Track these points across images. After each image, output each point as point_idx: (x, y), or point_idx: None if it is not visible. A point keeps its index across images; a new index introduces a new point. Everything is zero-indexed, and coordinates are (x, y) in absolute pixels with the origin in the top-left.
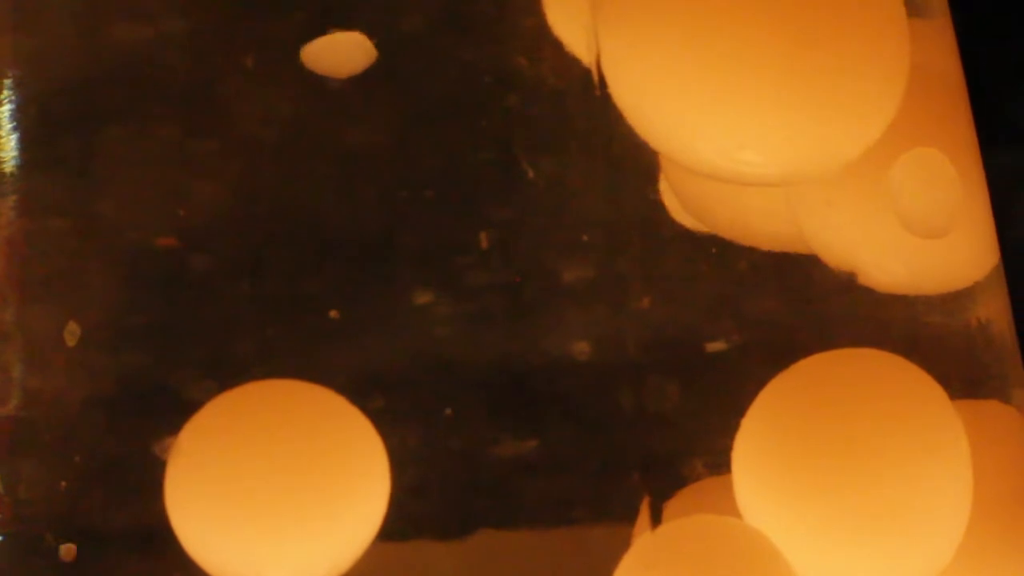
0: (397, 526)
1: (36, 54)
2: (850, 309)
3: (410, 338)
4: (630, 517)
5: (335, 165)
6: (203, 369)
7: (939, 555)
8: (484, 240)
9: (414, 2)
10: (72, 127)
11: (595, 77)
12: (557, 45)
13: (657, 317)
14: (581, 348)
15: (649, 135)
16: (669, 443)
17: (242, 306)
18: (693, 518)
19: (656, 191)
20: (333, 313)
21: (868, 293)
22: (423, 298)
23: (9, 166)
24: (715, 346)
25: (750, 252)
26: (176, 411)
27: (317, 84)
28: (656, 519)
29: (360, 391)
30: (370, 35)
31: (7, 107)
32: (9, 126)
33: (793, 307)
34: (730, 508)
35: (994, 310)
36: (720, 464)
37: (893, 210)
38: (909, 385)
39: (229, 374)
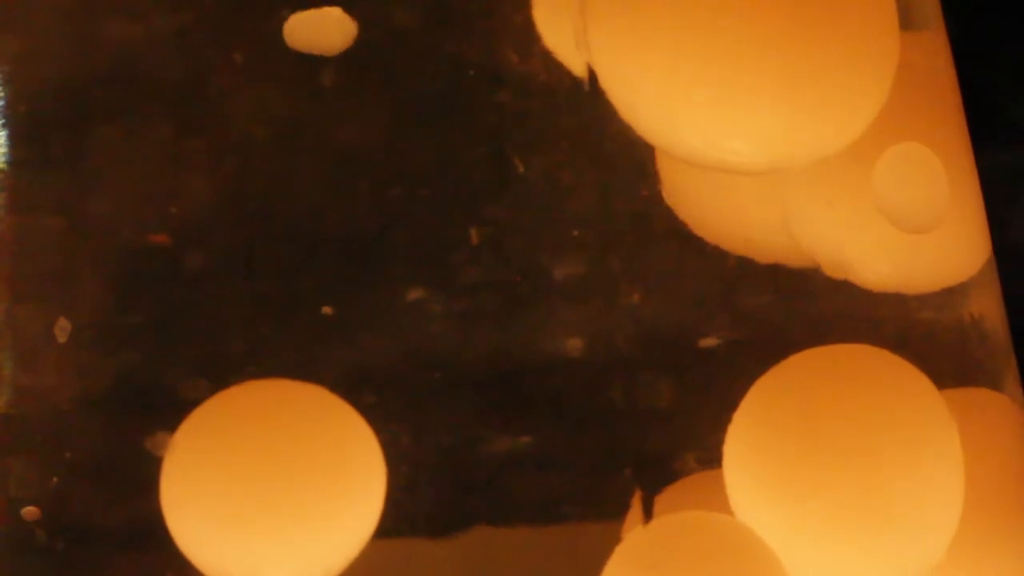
0: (390, 523)
1: (25, 51)
2: (842, 305)
3: (402, 335)
4: (623, 513)
5: (327, 162)
6: (195, 366)
7: (932, 550)
8: (476, 237)
9: None
10: (62, 124)
11: (583, 74)
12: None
13: (649, 313)
14: (573, 344)
15: (637, 123)
16: (661, 439)
17: (234, 303)
18: (682, 514)
19: (648, 187)
20: (326, 310)
21: (860, 289)
22: (415, 295)
23: None
24: (707, 342)
25: None
26: (168, 408)
27: (309, 81)
28: (648, 514)
29: (352, 388)
30: (362, 32)
31: None
32: None
33: (785, 303)
34: (721, 502)
35: (987, 306)
36: (713, 460)
37: (877, 205)
38: (899, 381)
39: (221, 371)
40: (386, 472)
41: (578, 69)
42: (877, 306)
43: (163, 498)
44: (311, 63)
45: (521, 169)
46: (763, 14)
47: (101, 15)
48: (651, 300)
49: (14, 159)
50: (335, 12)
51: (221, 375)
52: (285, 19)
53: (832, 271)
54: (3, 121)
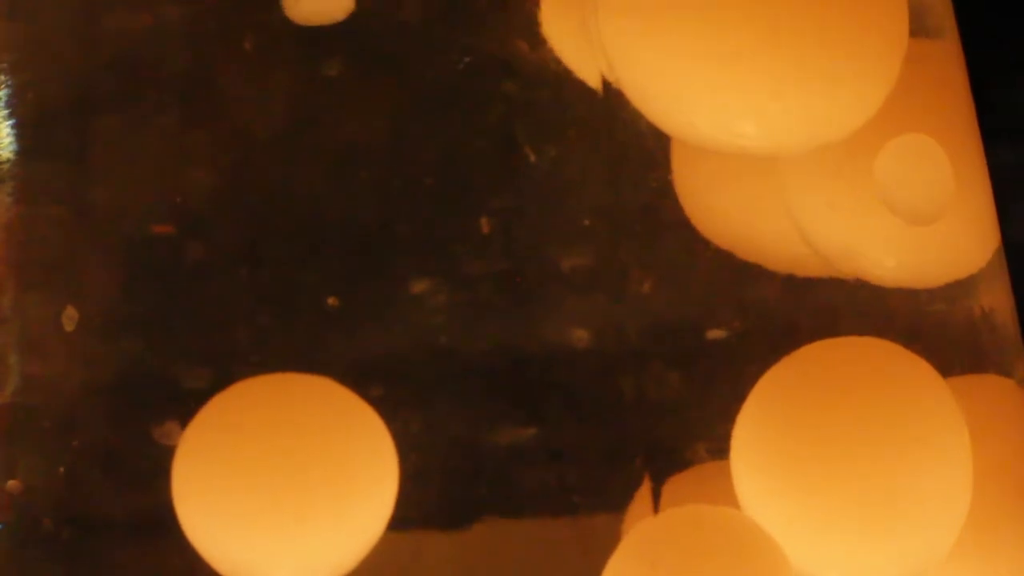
0: (398, 515)
1: (32, 41)
2: (851, 297)
3: (409, 326)
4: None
5: (333, 153)
6: (200, 356)
7: (939, 544)
8: (484, 227)
9: None
10: (68, 114)
11: (594, 82)
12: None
13: (658, 304)
14: (581, 335)
15: (646, 107)
16: (670, 430)
17: (240, 293)
18: (687, 508)
19: (657, 178)
20: (331, 301)
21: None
22: (422, 286)
23: (6, 153)
24: (716, 333)
25: None
26: (174, 398)
27: (315, 72)
28: (656, 504)
29: (358, 379)
30: (369, 23)
31: (3, 94)
32: (5, 113)
33: (794, 294)
34: (728, 492)
35: (997, 298)
36: (723, 450)
37: (880, 197)
38: (908, 374)
39: (227, 361)
40: (398, 470)
41: (589, 77)
42: (887, 298)
43: (175, 492)
44: (317, 54)
45: (532, 158)
46: None
47: (106, 5)
48: (660, 291)
49: (20, 149)
50: None
51: (227, 365)
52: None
53: (839, 267)
54: (9, 111)
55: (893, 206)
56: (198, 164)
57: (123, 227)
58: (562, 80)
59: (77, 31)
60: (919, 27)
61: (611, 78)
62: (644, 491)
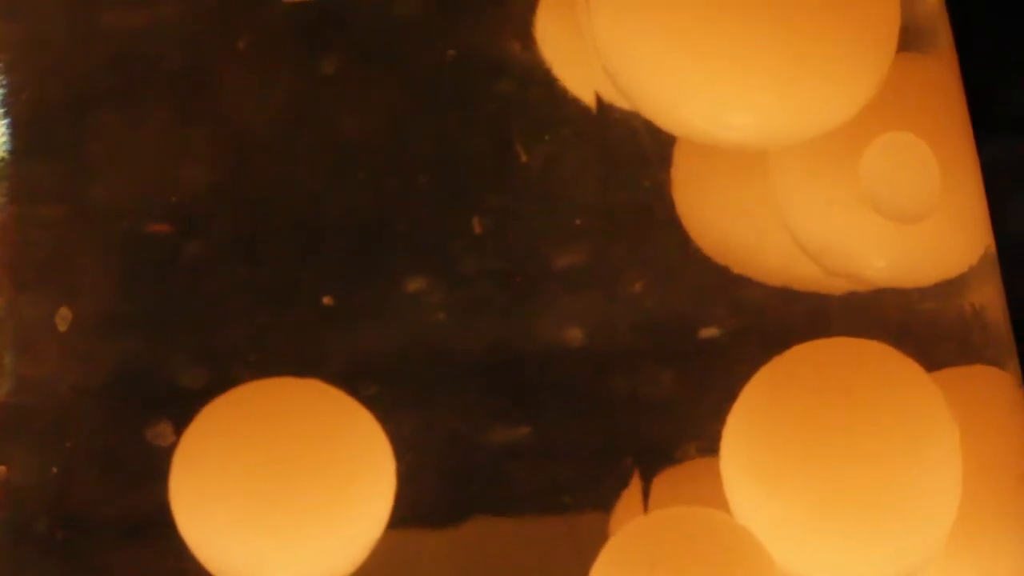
0: (392, 514)
1: (27, 39)
2: (844, 296)
3: (403, 325)
4: None
5: (329, 151)
6: (196, 356)
7: (929, 544)
8: (478, 226)
9: None
10: (64, 113)
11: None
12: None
13: (650, 303)
14: (574, 334)
15: (638, 101)
16: (662, 429)
17: (235, 292)
18: (674, 510)
19: (649, 176)
20: (327, 300)
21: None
22: (417, 285)
23: (0, 152)
24: (708, 332)
25: None
26: (167, 398)
27: (311, 70)
28: (645, 502)
29: (353, 378)
30: (364, 20)
31: None
32: (0, 112)
33: (786, 294)
34: (715, 488)
35: (988, 296)
36: (713, 449)
37: (865, 195)
38: (898, 374)
39: (222, 361)
40: (395, 477)
41: (584, 95)
42: (878, 298)
43: (172, 497)
44: (313, 51)
45: (523, 158)
46: None
47: (102, 4)
48: (652, 290)
49: (15, 148)
50: None
51: (222, 365)
52: (287, 8)
53: (828, 266)
54: (4, 110)
55: (878, 205)
56: (194, 162)
57: (117, 226)
58: (555, 78)
59: (72, 30)
60: (913, 32)
61: (603, 91)
62: (633, 489)
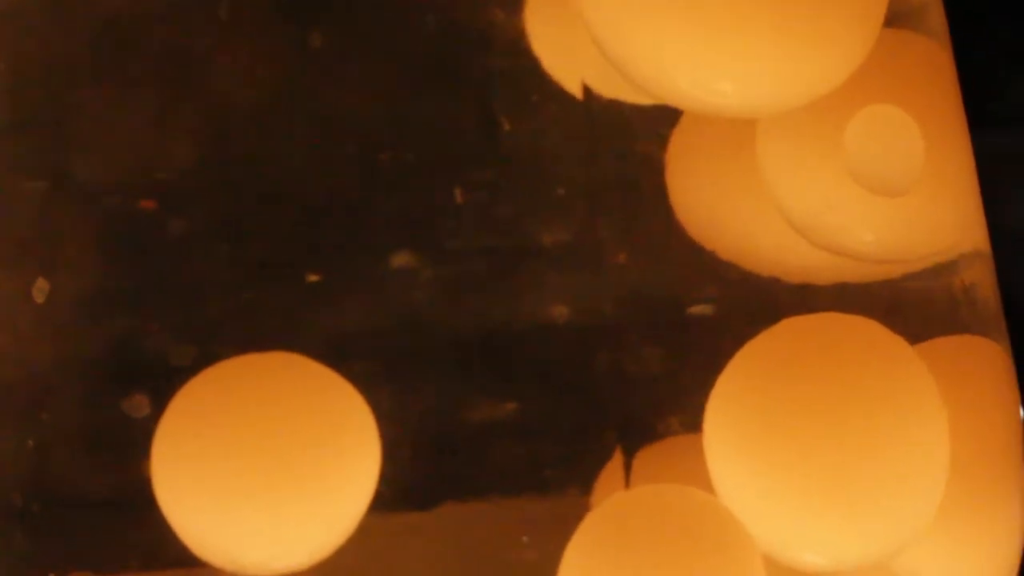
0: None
1: (8, 12)
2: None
3: (389, 301)
4: None
5: (314, 127)
6: (179, 331)
7: (917, 519)
8: (463, 203)
9: None
10: (45, 87)
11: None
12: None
13: (637, 279)
14: (560, 311)
15: (626, 69)
16: (646, 404)
17: (219, 269)
18: (649, 488)
19: (637, 151)
20: (312, 276)
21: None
22: (402, 261)
23: None
24: (696, 308)
25: None
26: (149, 372)
27: (296, 46)
28: (627, 477)
29: (338, 354)
30: None
31: None
32: None
33: None
34: (698, 463)
35: (978, 274)
36: (696, 424)
37: (848, 167)
38: (885, 351)
39: (205, 336)
40: (380, 455)
41: (571, 86)
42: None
43: (154, 473)
44: (298, 27)
45: (506, 125)
46: None
47: None
48: (639, 266)
49: None
50: None
51: (205, 340)
52: None
53: (815, 241)
54: None
55: (861, 177)
56: (177, 139)
57: (101, 201)
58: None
59: (56, 4)
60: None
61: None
62: (615, 465)
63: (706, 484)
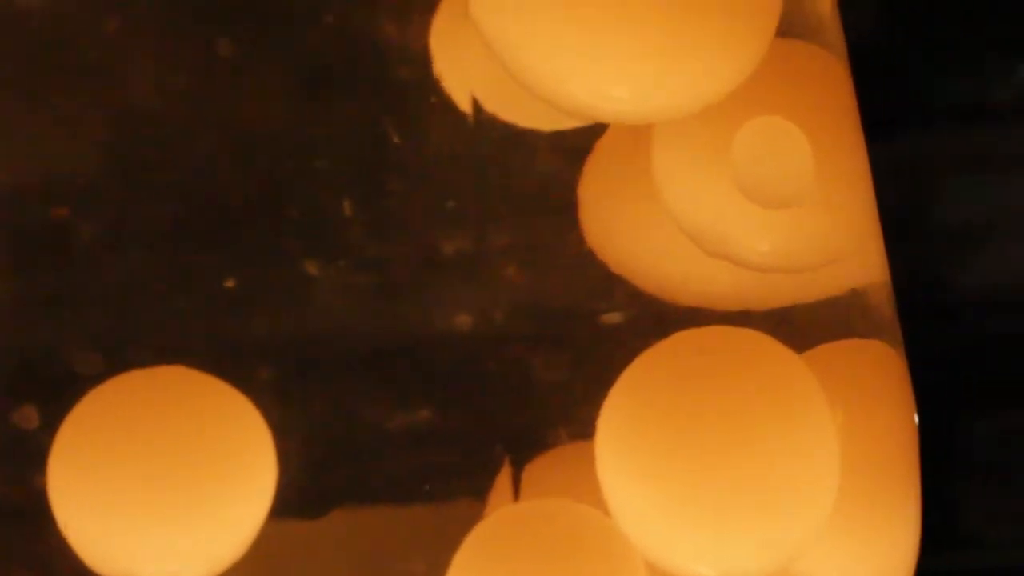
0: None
1: None
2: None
3: (294, 309)
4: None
5: (225, 134)
6: (91, 340)
7: (807, 528)
8: (360, 212)
9: None
10: None
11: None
12: (424, 10)
13: (527, 289)
14: (462, 320)
15: (521, 76)
16: (536, 415)
17: (132, 277)
18: (535, 503)
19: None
20: (228, 283)
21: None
22: (312, 269)
23: None
24: (596, 318)
25: None
26: (59, 382)
27: (204, 53)
28: (516, 489)
29: (249, 363)
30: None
31: None
32: None
33: None
34: (588, 474)
35: (872, 279)
36: (586, 435)
37: (735, 180)
38: (773, 362)
39: (116, 345)
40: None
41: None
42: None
43: (50, 487)
44: (206, 34)
45: (394, 138)
46: None
47: None
48: (530, 277)
49: None
50: None
51: (116, 350)
52: None
53: (711, 252)
54: None
55: (746, 189)
56: (89, 146)
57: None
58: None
59: None
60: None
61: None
62: (504, 477)
63: (597, 494)
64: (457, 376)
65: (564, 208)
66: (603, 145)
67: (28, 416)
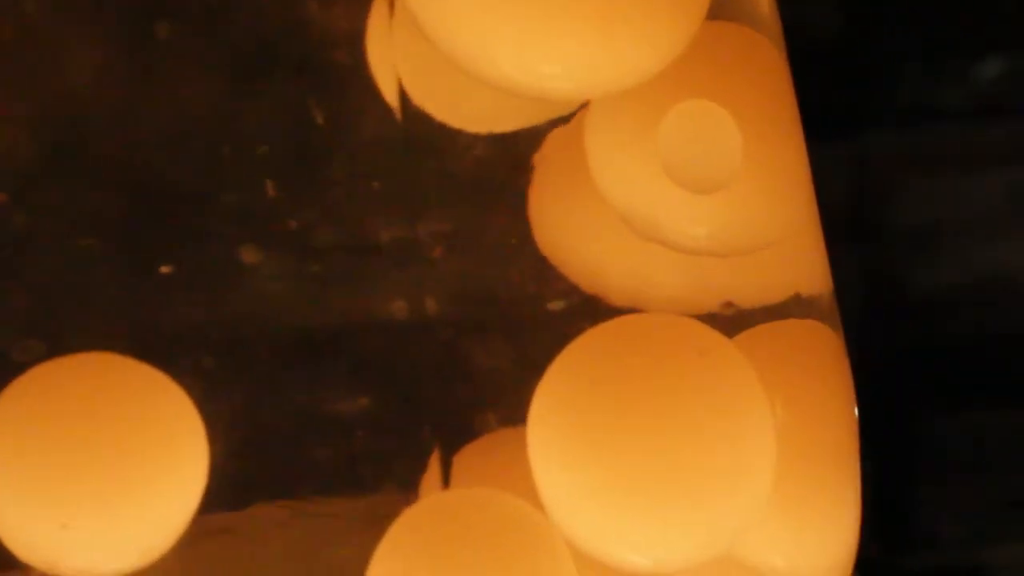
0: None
1: None
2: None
3: (229, 296)
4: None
5: (164, 119)
6: (26, 328)
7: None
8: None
9: None
10: None
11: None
12: None
13: (458, 275)
14: (398, 307)
15: (453, 53)
16: (464, 400)
17: (64, 262)
18: (459, 492)
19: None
20: (164, 269)
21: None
22: (245, 256)
23: None
24: (528, 304)
25: None
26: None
27: (142, 37)
28: (446, 475)
29: (181, 350)
30: None
31: None
32: None
33: None
34: (520, 459)
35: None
36: (515, 420)
37: (662, 164)
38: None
39: (54, 332)
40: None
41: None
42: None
43: None
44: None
45: (319, 119)
46: None
47: None
48: (459, 262)
49: None
50: None
51: (55, 337)
52: None
53: (646, 236)
54: None
55: (673, 172)
56: (24, 131)
57: None
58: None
59: None
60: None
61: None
62: (433, 465)
63: (530, 481)
64: (390, 363)
65: (497, 194)
66: (551, 143)
67: None
